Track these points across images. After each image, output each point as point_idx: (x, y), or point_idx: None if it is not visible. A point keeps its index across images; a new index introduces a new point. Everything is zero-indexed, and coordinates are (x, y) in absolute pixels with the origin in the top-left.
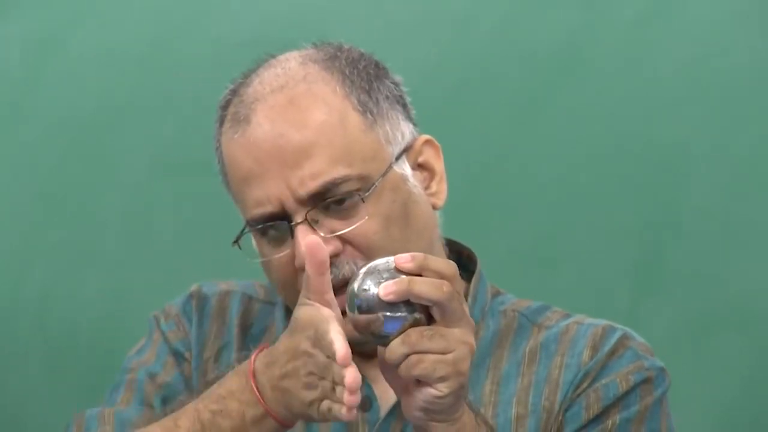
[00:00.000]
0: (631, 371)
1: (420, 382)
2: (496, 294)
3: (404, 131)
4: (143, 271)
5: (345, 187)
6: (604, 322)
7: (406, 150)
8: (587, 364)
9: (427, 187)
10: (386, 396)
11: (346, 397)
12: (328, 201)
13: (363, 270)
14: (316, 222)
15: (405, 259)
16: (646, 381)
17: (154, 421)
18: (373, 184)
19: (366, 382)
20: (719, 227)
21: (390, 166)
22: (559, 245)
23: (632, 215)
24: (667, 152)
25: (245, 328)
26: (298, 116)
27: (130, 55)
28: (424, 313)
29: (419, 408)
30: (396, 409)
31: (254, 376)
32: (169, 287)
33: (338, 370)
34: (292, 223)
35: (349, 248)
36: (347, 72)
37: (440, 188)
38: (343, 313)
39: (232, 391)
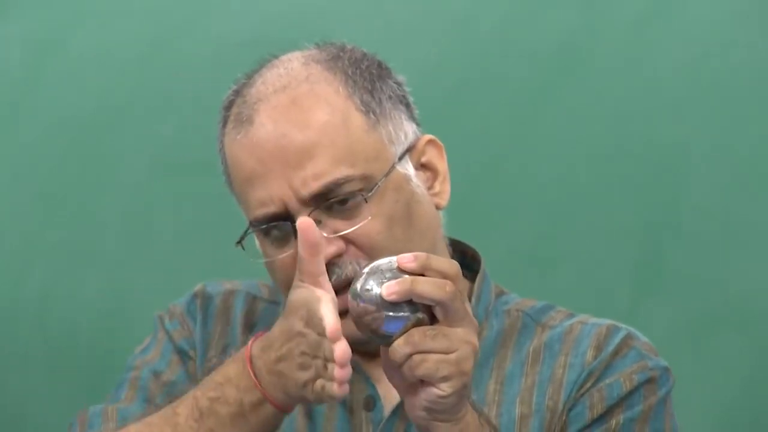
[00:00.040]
0: (635, 371)
1: (423, 382)
2: (500, 294)
3: (407, 131)
4: (143, 271)
5: (348, 188)
6: (608, 321)
7: (409, 150)
8: (591, 363)
9: (430, 187)
10: (390, 396)
11: (336, 372)
12: (331, 201)
13: (366, 270)
14: (319, 222)
15: (408, 259)
16: (649, 381)
17: None
18: (376, 184)
19: (369, 382)
20: (719, 227)
21: (393, 166)
22: (559, 245)
23: (632, 215)
24: (667, 152)
25: (249, 328)
26: (301, 116)
27: (130, 55)
28: (427, 312)
29: (422, 408)
30: (399, 409)
31: (251, 361)
32: (169, 287)
33: (329, 346)
34: (295, 224)
35: (352, 248)
36: (350, 72)
37: (443, 188)
38: (346, 313)
39: (229, 377)
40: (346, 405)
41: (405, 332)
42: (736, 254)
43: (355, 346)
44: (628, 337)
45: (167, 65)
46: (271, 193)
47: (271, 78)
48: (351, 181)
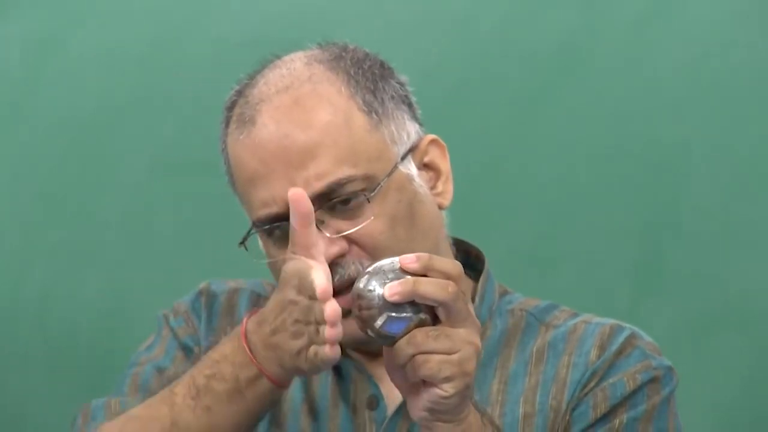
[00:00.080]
0: (639, 370)
1: (425, 383)
2: (504, 293)
3: (410, 131)
4: (143, 271)
5: (350, 188)
6: (611, 321)
7: (412, 150)
8: (595, 363)
9: (433, 187)
10: (393, 395)
11: (327, 332)
12: (333, 201)
13: (368, 270)
14: (322, 222)
15: (410, 260)
16: (653, 380)
17: None
18: (379, 184)
19: (372, 381)
20: (719, 227)
21: (395, 166)
22: (559, 245)
23: (632, 215)
24: (667, 152)
25: None
26: (303, 117)
27: (130, 55)
28: (429, 313)
29: (425, 408)
30: (403, 409)
31: (246, 337)
32: (169, 287)
33: (319, 308)
34: None
35: (355, 248)
36: (352, 72)
37: (446, 188)
38: (349, 313)
39: (225, 354)
40: (350, 404)
41: (407, 333)
42: (736, 254)
43: (358, 346)
44: (632, 336)
45: (167, 65)
46: (274, 194)
47: (273, 78)
48: (353, 181)
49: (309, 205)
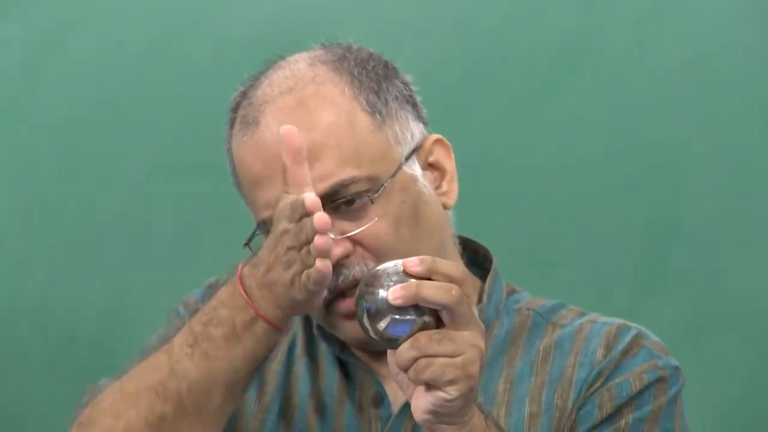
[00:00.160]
0: (645, 370)
1: (429, 386)
2: (512, 292)
3: (414, 131)
4: (143, 271)
5: (354, 188)
6: (618, 320)
7: (416, 150)
8: (601, 362)
9: (437, 187)
10: (398, 393)
11: (316, 240)
12: (337, 202)
13: (372, 273)
14: None
15: (413, 263)
16: (659, 380)
17: None
18: (383, 185)
19: (377, 380)
20: (719, 227)
21: (399, 167)
22: (559, 245)
23: (632, 215)
24: (667, 152)
25: None
26: (307, 118)
27: (130, 55)
28: (433, 316)
29: (428, 411)
30: (408, 407)
31: (241, 282)
32: (169, 287)
33: (310, 223)
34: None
35: (359, 249)
36: (356, 73)
37: (451, 187)
38: (353, 314)
39: (222, 300)
40: (355, 402)
41: (411, 336)
42: (736, 254)
43: (362, 346)
44: (639, 336)
45: (167, 65)
46: (277, 195)
47: (277, 80)
48: (357, 182)
49: (301, 142)
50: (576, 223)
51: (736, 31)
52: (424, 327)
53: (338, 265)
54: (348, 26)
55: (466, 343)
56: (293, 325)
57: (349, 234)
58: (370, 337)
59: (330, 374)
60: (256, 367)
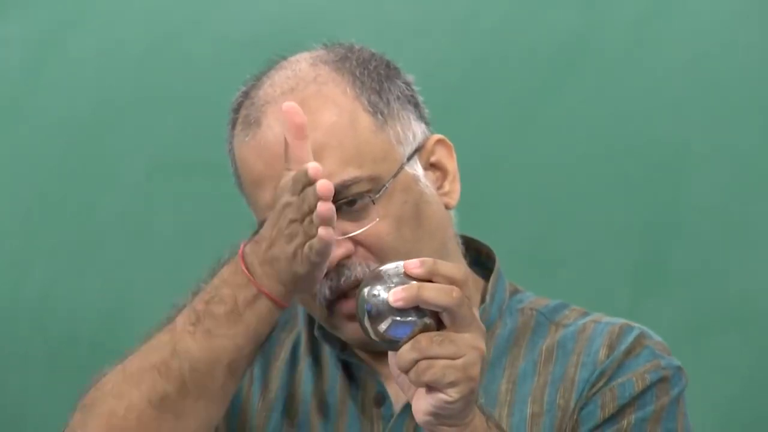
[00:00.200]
0: (648, 370)
1: (430, 388)
2: (515, 292)
3: (416, 131)
4: (143, 271)
5: (355, 189)
6: (621, 320)
7: (418, 150)
8: (603, 362)
9: (439, 187)
10: (400, 393)
11: (319, 207)
12: (339, 203)
13: (372, 275)
14: None
15: (414, 265)
16: (662, 380)
17: None
18: (384, 185)
19: (378, 380)
20: (719, 227)
21: (401, 167)
22: (560, 245)
23: (632, 215)
24: (667, 152)
25: None
26: (309, 118)
27: (130, 55)
28: (434, 317)
29: (429, 413)
30: (410, 407)
31: (243, 259)
32: (169, 287)
33: (313, 191)
34: None
35: (361, 250)
36: (357, 73)
37: (453, 187)
38: (355, 316)
39: (224, 279)
40: (358, 402)
41: (412, 337)
42: (736, 254)
43: (363, 347)
44: (641, 336)
45: (167, 65)
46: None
47: (279, 80)
48: (359, 182)
49: (303, 118)
50: (576, 223)
51: (736, 31)
52: (425, 329)
53: (340, 266)
54: (348, 26)
55: (467, 345)
56: (297, 323)
57: (350, 234)
58: (371, 338)
59: (333, 374)
60: (259, 346)
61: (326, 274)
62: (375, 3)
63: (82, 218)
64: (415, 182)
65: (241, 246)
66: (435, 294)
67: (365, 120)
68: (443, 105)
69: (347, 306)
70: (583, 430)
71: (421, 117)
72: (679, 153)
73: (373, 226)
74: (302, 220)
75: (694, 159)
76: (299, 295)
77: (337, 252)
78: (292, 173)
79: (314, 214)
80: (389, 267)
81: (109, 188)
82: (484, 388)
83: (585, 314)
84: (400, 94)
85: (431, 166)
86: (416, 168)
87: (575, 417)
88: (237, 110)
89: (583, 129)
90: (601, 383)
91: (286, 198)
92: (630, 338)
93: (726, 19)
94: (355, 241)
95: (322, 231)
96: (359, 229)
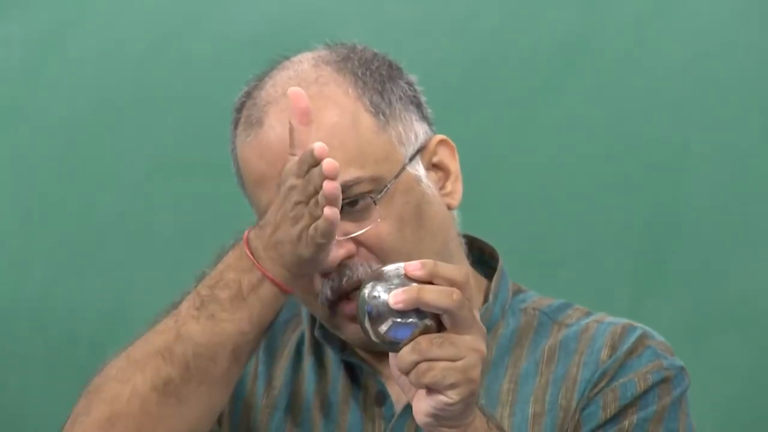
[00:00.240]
0: (650, 370)
1: (430, 389)
2: (518, 291)
3: (418, 132)
4: (143, 271)
5: (357, 189)
6: (624, 320)
7: (420, 150)
8: (605, 362)
9: (442, 187)
10: (401, 393)
11: (325, 185)
12: (341, 203)
13: (373, 276)
14: None
15: (415, 267)
16: (664, 380)
17: None
18: (386, 186)
19: (379, 380)
20: (719, 227)
21: (403, 168)
22: (559, 245)
23: (632, 215)
24: (667, 152)
25: None
26: None
27: (130, 55)
28: (434, 319)
29: (429, 414)
30: (411, 407)
31: (248, 244)
32: (169, 287)
33: (319, 170)
34: None
35: (362, 250)
36: (360, 73)
37: (455, 188)
38: (355, 318)
39: (228, 264)
40: (359, 401)
41: (412, 339)
42: (736, 254)
43: (365, 347)
44: (644, 336)
45: (167, 65)
46: None
47: (280, 80)
48: (360, 182)
49: (308, 103)
50: (576, 223)
51: (736, 31)
52: (426, 330)
53: (341, 266)
54: (348, 26)
55: (467, 347)
56: (301, 322)
57: (351, 235)
58: (371, 339)
59: (335, 374)
60: (263, 332)
61: (328, 275)
62: (375, 3)
63: (82, 218)
64: (417, 183)
65: (246, 232)
66: (435, 296)
67: (367, 120)
68: (443, 105)
69: (349, 307)
70: (585, 430)
71: (424, 117)
72: (679, 153)
73: (375, 226)
74: (307, 202)
75: (694, 159)
76: (302, 296)
77: (339, 252)
78: (296, 157)
79: (320, 193)
80: (390, 268)
81: (109, 188)
82: (486, 387)
83: (588, 314)
84: (402, 94)
85: (433, 167)
86: (418, 168)
87: (577, 417)
88: (239, 110)
89: (583, 129)
90: (603, 383)
91: (291, 181)
92: (632, 338)
93: (726, 19)
94: (357, 242)
95: (327, 211)
96: (361, 229)
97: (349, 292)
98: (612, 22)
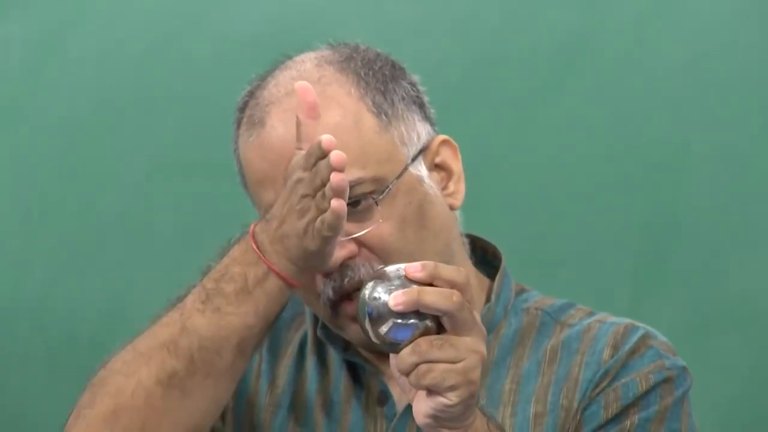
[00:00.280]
0: (652, 370)
1: (430, 391)
2: (521, 291)
3: (420, 132)
4: (143, 271)
5: (359, 190)
6: (626, 320)
7: (423, 151)
8: (607, 362)
9: (444, 188)
10: (403, 393)
11: (333, 177)
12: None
13: (374, 277)
14: None
15: (415, 269)
16: (666, 380)
17: None
18: (388, 186)
19: (381, 379)
20: (719, 227)
21: (405, 168)
22: (559, 245)
23: (632, 215)
24: (667, 152)
25: None
26: None
27: (130, 55)
28: (435, 320)
29: (429, 415)
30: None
31: (254, 238)
32: (169, 287)
33: (326, 162)
34: None
35: (364, 251)
36: (362, 73)
37: (458, 188)
38: (356, 319)
39: (234, 257)
40: (361, 400)
41: (412, 341)
42: (736, 254)
43: (368, 347)
44: (646, 336)
45: (167, 65)
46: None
47: (283, 80)
48: (362, 183)
49: (315, 98)
50: (576, 223)
51: (736, 31)
52: (426, 331)
53: (343, 267)
54: (348, 26)
55: (467, 349)
56: (305, 322)
57: (353, 236)
58: (371, 340)
59: (337, 373)
60: (269, 326)
61: (329, 275)
62: (375, 3)
63: (82, 218)
64: (419, 183)
65: (252, 225)
66: (435, 298)
67: (369, 121)
68: (443, 105)
69: (351, 307)
70: (586, 430)
71: (427, 117)
72: (679, 153)
73: (377, 227)
74: (314, 195)
75: (694, 159)
76: (304, 296)
77: (341, 253)
78: (303, 152)
79: (327, 186)
80: (391, 269)
81: (109, 188)
82: (488, 387)
83: (591, 314)
84: (405, 94)
85: (436, 167)
86: (420, 169)
87: (578, 417)
88: (242, 110)
89: (583, 129)
90: (604, 383)
91: (298, 174)
92: (634, 338)
93: (726, 19)
94: (359, 242)
95: (334, 203)
96: (363, 230)
97: (350, 293)
98: (612, 22)
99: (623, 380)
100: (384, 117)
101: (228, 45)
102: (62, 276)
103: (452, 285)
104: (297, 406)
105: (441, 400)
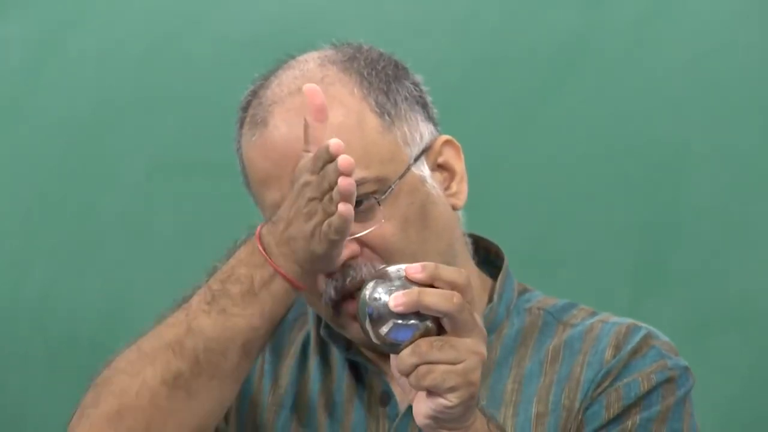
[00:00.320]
0: (654, 370)
1: (430, 392)
2: (524, 291)
3: (423, 132)
4: (143, 271)
5: (362, 190)
6: (629, 320)
7: (425, 151)
8: (609, 362)
9: (447, 188)
10: (405, 393)
11: (340, 181)
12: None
13: (374, 277)
14: None
15: (415, 270)
16: (668, 380)
17: None
18: (390, 186)
19: (384, 379)
20: (719, 227)
21: (408, 168)
22: (559, 245)
23: (632, 215)
24: (667, 152)
25: None
26: None
27: (130, 55)
28: (435, 321)
29: (429, 416)
30: None
31: (260, 240)
32: (169, 287)
33: (334, 166)
34: None
35: (366, 251)
36: (365, 73)
37: (460, 188)
38: (356, 318)
39: (240, 259)
40: (364, 400)
41: (413, 341)
42: (736, 254)
43: (370, 347)
44: (648, 336)
45: (167, 65)
46: (285, 195)
47: (286, 80)
48: (365, 183)
49: (323, 100)
50: (576, 223)
51: (736, 31)
52: (426, 332)
53: (345, 266)
54: (348, 26)
55: (467, 350)
56: (308, 321)
57: (356, 235)
58: (372, 341)
59: (340, 373)
60: (274, 328)
61: (331, 275)
62: (375, 3)
63: (82, 218)
64: (421, 183)
65: (259, 227)
66: (435, 299)
67: (372, 121)
68: (443, 105)
69: (353, 306)
70: (588, 430)
71: (429, 118)
72: (679, 153)
73: (379, 227)
74: (321, 198)
75: (694, 159)
76: (307, 296)
77: (343, 253)
78: (310, 154)
79: (334, 190)
80: (391, 270)
81: (109, 188)
82: (490, 387)
83: (593, 314)
84: (408, 94)
85: (438, 167)
86: (423, 169)
87: (580, 417)
88: (245, 109)
89: (583, 129)
90: (606, 383)
91: (306, 177)
92: (637, 338)
93: (726, 19)
94: (361, 242)
95: (341, 207)
96: (365, 230)
97: (352, 292)
98: (612, 22)
99: (625, 380)
100: (387, 117)
101: (228, 45)
102: (62, 276)
103: (453, 286)
104: (300, 406)
105: (441, 401)
